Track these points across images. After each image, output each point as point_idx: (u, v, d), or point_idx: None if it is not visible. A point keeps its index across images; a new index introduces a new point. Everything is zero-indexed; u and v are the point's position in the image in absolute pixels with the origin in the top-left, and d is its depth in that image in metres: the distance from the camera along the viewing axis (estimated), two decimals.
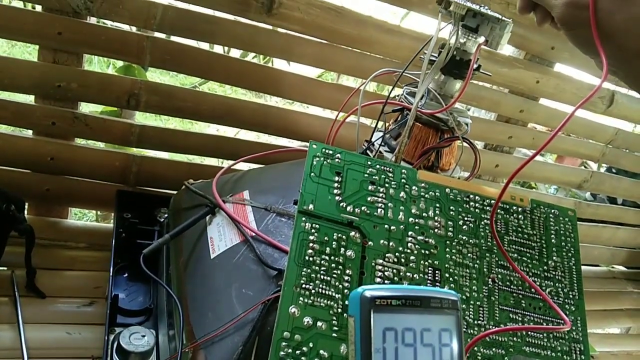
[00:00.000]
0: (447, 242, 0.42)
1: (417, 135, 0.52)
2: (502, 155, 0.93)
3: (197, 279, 0.49)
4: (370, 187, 0.41)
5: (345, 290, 0.37)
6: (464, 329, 0.39)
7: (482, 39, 0.49)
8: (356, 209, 0.40)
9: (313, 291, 0.36)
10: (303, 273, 0.37)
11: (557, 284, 0.43)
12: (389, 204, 0.41)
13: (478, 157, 0.52)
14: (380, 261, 0.39)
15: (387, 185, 0.42)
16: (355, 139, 0.54)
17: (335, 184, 0.40)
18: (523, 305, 0.42)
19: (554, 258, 0.44)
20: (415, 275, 0.39)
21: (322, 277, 0.37)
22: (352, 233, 0.39)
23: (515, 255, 0.43)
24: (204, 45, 0.89)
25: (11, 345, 0.50)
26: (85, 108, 0.70)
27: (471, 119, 0.54)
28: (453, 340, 0.29)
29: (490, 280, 0.41)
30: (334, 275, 0.37)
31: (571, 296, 0.43)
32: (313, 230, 0.38)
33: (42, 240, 0.61)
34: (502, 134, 0.91)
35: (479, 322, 0.40)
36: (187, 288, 0.49)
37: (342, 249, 0.38)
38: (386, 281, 0.38)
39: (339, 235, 0.39)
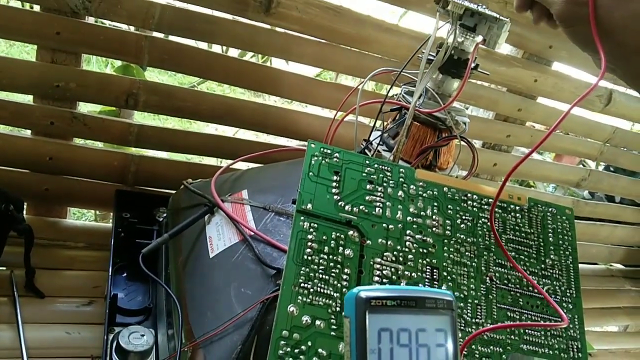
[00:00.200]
0: (445, 240, 0.42)
1: (415, 134, 0.52)
2: (500, 154, 0.94)
3: (196, 279, 0.49)
4: (368, 186, 0.41)
5: (344, 289, 0.37)
6: (462, 327, 0.39)
7: (479, 38, 0.49)
8: (354, 208, 0.40)
9: (312, 290, 0.36)
10: (302, 272, 0.37)
11: (554, 282, 0.43)
12: (387, 203, 0.41)
13: (476, 155, 0.52)
14: (379, 260, 0.39)
15: (385, 184, 0.42)
16: (354, 139, 0.55)
17: (334, 183, 0.40)
18: (521, 303, 0.42)
19: (552, 256, 0.44)
20: (413, 274, 0.40)
21: (320, 276, 0.37)
22: (351, 232, 0.39)
23: (513, 253, 0.43)
24: (203, 45, 0.89)
25: (10, 345, 0.51)
26: (84, 108, 0.70)
27: (469, 117, 0.54)
28: (448, 340, 0.29)
29: (487, 278, 0.42)
30: (333, 274, 0.37)
31: (568, 294, 0.43)
32: (311, 230, 0.38)
33: (41, 240, 0.61)
34: (500, 132, 0.91)
35: (477, 320, 0.40)
36: (186, 287, 0.49)
37: (341, 248, 0.38)
38: (384, 280, 0.39)
39: (338, 234, 0.39)
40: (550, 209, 0.46)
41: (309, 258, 0.37)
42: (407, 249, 0.40)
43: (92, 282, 0.61)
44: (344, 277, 0.38)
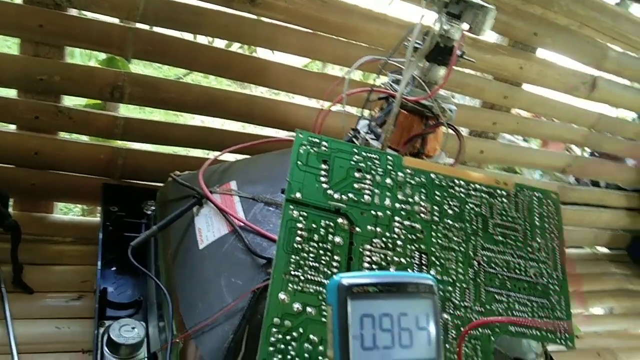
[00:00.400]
0: (433, 226, 0.42)
1: (402, 122, 0.52)
2: (487, 141, 0.94)
3: (186, 270, 0.49)
4: (357, 175, 0.41)
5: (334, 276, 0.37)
6: (451, 311, 0.40)
7: (465, 26, 0.49)
8: (343, 196, 0.40)
9: (302, 278, 0.37)
10: (292, 260, 0.37)
11: (540, 265, 0.44)
12: (376, 191, 0.41)
13: (462, 142, 0.53)
14: (368, 247, 0.39)
15: (373, 172, 0.42)
16: (342, 128, 0.55)
17: (322, 172, 0.40)
18: (508, 286, 0.42)
19: (538, 240, 0.45)
20: (402, 260, 0.40)
21: (310, 263, 0.37)
22: (340, 220, 0.39)
23: (501, 237, 0.44)
24: (188, 36, 0.88)
25: (0, 342, 0.50)
26: (69, 101, 0.69)
27: (456, 105, 0.55)
28: (430, 323, 0.29)
29: (475, 262, 0.42)
30: (323, 262, 0.38)
31: (555, 276, 0.44)
32: (301, 218, 0.38)
33: (28, 236, 0.61)
34: (486, 120, 0.92)
35: (465, 303, 0.41)
36: (176, 279, 0.49)
37: (330, 236, 0.39)
38: (374, 266, 0.39)
39: (327, 222, 0.39)
40: (536, 194, 0.47)
41: (299, 246, 0.37)
42: (395, 236, 0.41)
43: (81, 277, 0.61)
44: (334, 264, 0.38)
